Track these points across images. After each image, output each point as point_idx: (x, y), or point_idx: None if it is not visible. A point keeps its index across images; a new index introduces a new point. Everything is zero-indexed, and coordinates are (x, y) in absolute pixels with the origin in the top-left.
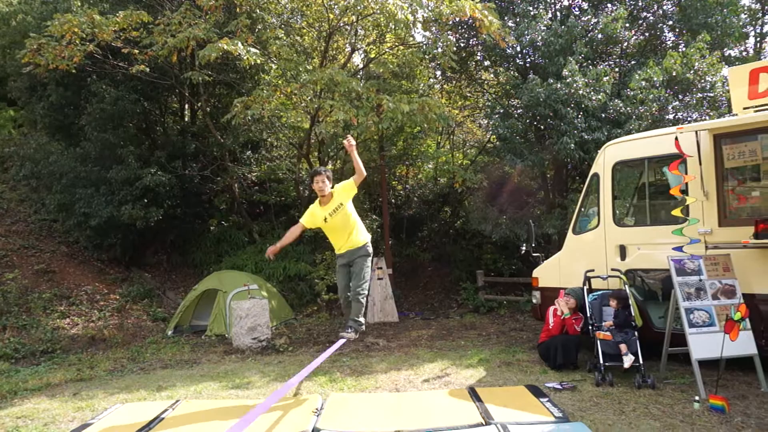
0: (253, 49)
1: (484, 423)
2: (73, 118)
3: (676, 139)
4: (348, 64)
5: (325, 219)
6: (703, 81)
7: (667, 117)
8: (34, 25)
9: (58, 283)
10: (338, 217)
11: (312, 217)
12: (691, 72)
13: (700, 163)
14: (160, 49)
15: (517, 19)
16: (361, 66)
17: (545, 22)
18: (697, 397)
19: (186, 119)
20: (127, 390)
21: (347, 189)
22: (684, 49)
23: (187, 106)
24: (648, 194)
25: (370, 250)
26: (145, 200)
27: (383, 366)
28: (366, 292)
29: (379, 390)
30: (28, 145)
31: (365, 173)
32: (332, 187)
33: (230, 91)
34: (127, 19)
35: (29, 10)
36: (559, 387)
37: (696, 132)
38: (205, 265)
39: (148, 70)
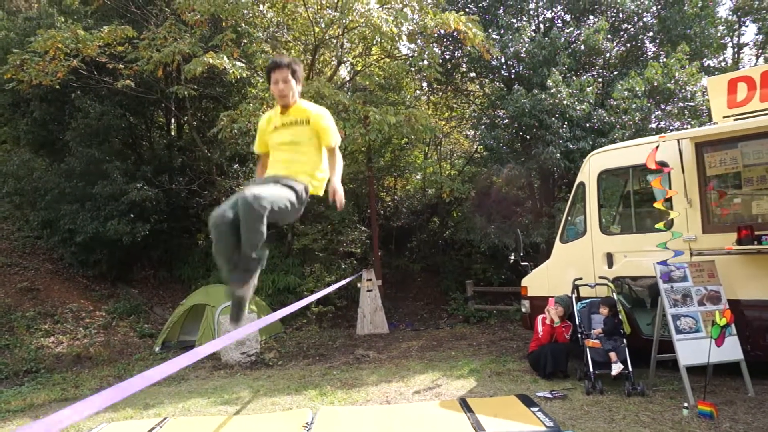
0: (239, 63)
1: None
2: (57, 134)
3: (652, 150)
4: (334, 77)
5: (276, 127)
6: (683, 90)
7: (650, 126)
8: (17, 41)
9: (42, 301)
10: (294, 130)
11: (261, 130)
12: (672, 82)
13: (683, 171)
14: (146, 64)
15: (501, 32)
16: (347, 78)
17: (529, 34)
18: (686, 404)
19: (172, 133)
20: (113, 408)
21: (326, 129)
22: (665, 59)
23: (173, 120)
24: (633, 202)
25: (306, 196)
26: (132, 215)
27: (374, 378)
28: (266, 211)
29: (370, 403)
30: (11, 162)
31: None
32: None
33: (217, 104)
34: (112, 34)
35: (12, 26)
36: (549, 396)
37: (678, 140)
38: (192, 279)
39: (133, 84)
